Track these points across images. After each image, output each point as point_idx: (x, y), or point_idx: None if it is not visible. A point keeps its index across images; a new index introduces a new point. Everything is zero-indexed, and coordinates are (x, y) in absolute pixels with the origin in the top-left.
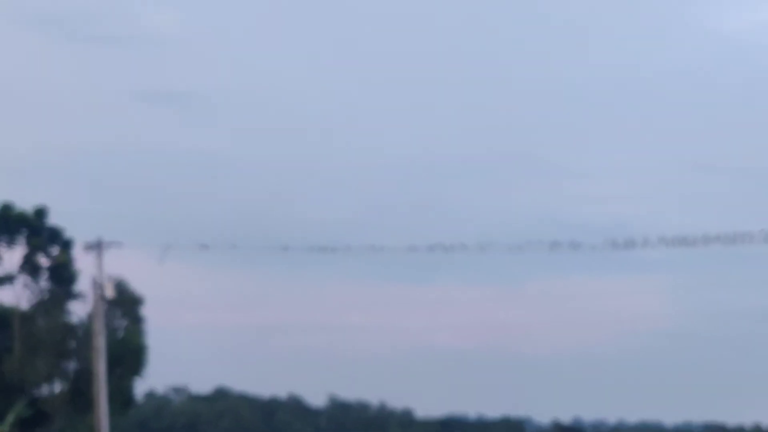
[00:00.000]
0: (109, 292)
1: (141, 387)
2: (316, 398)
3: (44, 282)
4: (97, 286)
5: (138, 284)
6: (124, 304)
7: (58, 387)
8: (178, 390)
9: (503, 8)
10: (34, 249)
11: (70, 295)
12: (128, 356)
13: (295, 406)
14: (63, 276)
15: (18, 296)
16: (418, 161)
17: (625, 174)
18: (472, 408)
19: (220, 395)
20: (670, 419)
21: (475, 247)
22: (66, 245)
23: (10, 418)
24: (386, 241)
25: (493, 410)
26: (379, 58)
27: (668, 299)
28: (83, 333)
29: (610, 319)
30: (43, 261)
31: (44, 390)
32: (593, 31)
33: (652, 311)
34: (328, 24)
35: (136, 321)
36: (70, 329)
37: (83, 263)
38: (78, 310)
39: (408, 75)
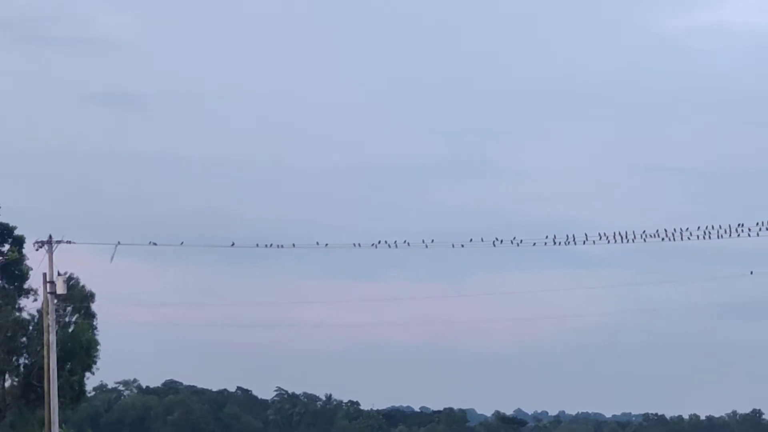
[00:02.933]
0: (60, 289)
1: (91, 381)
2: (264, 391)
3: None
4: (48, 282)
5: (88, 281)
6: (75, 300)
7: (8, 382)
8: (128, 384)
9: (450, 17)
10: None
11: (21, 292)
12: (79, 351)
13: (243, 399)
14: (14, 273)
15: None
16: (364, 162)
17: (567, 173)
18: (416, 400)
19: (170, 389)
20: (609, 411)
21: (419, 244)
22: (17, 242)
23: None
24: (332, 238)
25: (436, 403)
26: (331, 64)
27: (609, 295)
28: (34, 328)
29: (551, 315)
30: None
31: None
32: (536, 35)
33: (593, 307)
34: (282, 28)
35: (86, 317)
36: (21, 325)
37: (34, 260)
38: (29, 306)
39: (357, 80)
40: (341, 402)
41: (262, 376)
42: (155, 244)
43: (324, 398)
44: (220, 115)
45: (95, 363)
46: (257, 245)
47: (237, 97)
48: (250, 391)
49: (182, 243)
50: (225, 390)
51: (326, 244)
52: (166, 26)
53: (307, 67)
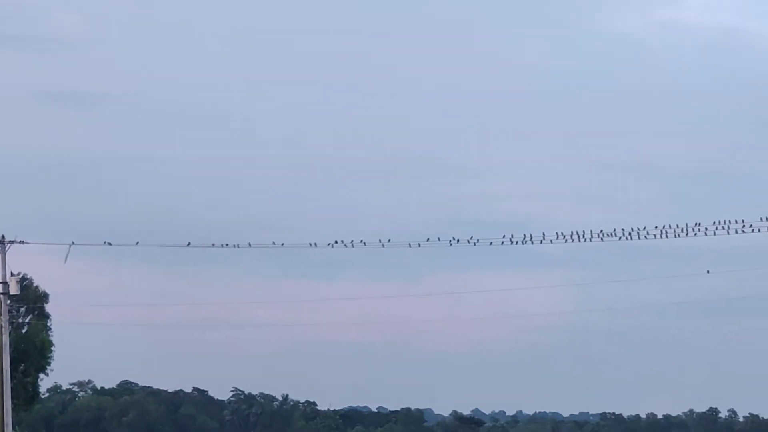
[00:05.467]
0: (13, 289)
1: (45, 383)
2: (220, 392)
3: None
4: (1, 283)
5: (42, 281)
6: (29, 301)
7: None
8: (82, 385)
9: (409, 14)
10: None
11: None
12: (33, 352)
13: (199, 400)
14: None
15: None
16: (320, 162)
17: (523, 172)
18: (373, 400)
19: (125, 390)
20: (567, 411)
21: (376, 244)
22: None
23: None
24: (289, 238)
25: (394, 403)
26: (282, 63)
27: (566, 294)
28: None
29: (508, 314)
30: None
31: None
32: (492, 33)
33: (551, 306)
34: (235, 26)
35: (40, 318)
36: None
37: None
38: None
39: (312, 79)
40: (298, 402)
41: (218, 377)
42: (110, 244)
43: (281, 398)
44: (173, 115)
45: (49, 364)
46: (213, 245)
47: (190, 97)
48: (206, 391)
49: (137, 243)
50: (181, 391)
51: (282, 244)
52: (118, 25)
53: (261, 67)
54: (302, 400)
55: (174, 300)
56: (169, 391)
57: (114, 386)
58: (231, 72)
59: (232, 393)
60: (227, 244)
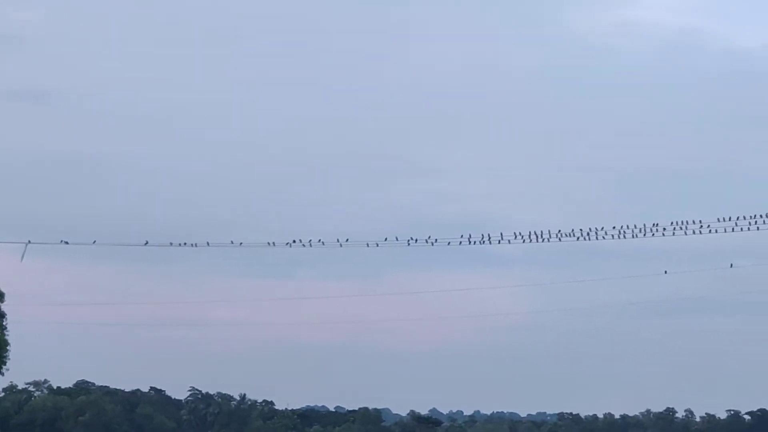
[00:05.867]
0: None
1: (1, 382)
2: (178, 391)
3: None
4: None
5: None
6: None
7: None
8: (38, 385)
9: (366, 14)
10: None
11: None
12: None
13: (157, 399)
14: None
15: None
16: (278, 160)
17: (483, 173)
18: (331, 400)
19: (82, 389)
20: (524, 410)
21: (334, 243)
22: None
23: None
24: (247, 237)
25: (351, 402)
26: (242, 63)
27: (524, 294)
28: None
29: (467, 314)
30: None
31: None
32: (453, 34)
33: (509, 306)
34: (189, 25)
35: None
36: None
37: None
38: None
39: (272, 77)
40: (256, 402)
41: (176, 376)
42: (67, 242)
43: (238, 398)
44: (131, 114)
45: (5, 363)
46: (171, 244)
47: (149, 96)
48: (164, 391)
49: (95, 242)
50: (138, 390)
51: (240, 243)
52: (75, 22)
53: (219, 66)
54: (260, 400)
55: (131, 299)
56: (126, 390)
57: (70, 386)
58: (190, 71)
59: (189, 392)
60: (185, 243)
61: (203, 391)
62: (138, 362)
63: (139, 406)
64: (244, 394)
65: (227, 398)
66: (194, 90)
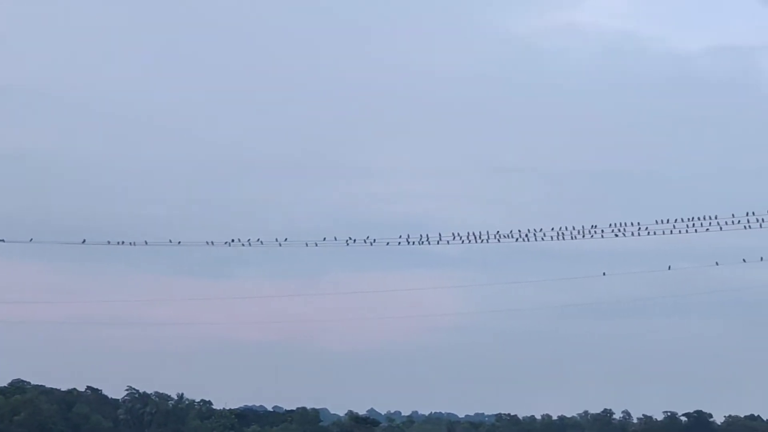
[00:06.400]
0: None
1: None
2: (115, 390)
3: None
4: None
5: None
6: None
7: None
8: None
9: (301, 15)
10: None
11: None
12: None
13: (93, 399)
14: None
15: None
16: (218, 160)
17: (422, 174)
18: (269, 400)
19: (17, 388)
20: (462, 411)
21: (273, 242)
22: None
23: None
24: (186, 236)
25: (289, 402)
26: (183, 61)
27: (463, 295)
28: None
29: (405, 314)
30: None
31: None
32: (390, 36)
33: (447, 307)
34: (133, 26)
35: None
36: None
37: None
38: None
39: (211, 78)
40: (193, 401)
41: (113, 375)
42: (2, 240)
43: (176, 397)
44: (69, 110)
45: None
46: (109, 242)
47: (88, 92)
48: (101, 390)
49: (31, 240)
50: (74, 389)
51: (179, 242)
52: (24, 21)
53: (161, 63)
54: (197, 399)
55: (68, 298)
56: (63, 389)
57: (5, 385)
58: (131, 67)
59: (126, 392)
60: (123, 242)
61: (140, 391)
62: (74, 361)
63: (75, 405)
64: (182, 394)
65: (165, 397)
66: (136, 88)
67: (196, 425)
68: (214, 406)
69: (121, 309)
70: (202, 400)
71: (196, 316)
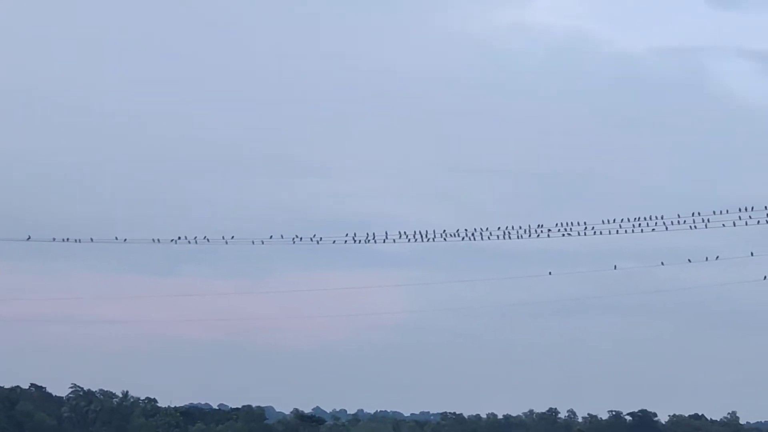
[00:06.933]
0: None
1: None
2: (59, 388)
3: None
4: None
5: None
6: None
7: None
8: None
9: (252, 9)
10: None
11: None
12: None
13: (37, 396)
14: None
15: None
16: (164, 157)
17: (370, 172)
18: (214, 398)
19: None
20: (408, 410)
21: (219, 240)
22: None
23: None
24: (131, 233)
25: (235, 400)
26: (131, 58)
27: (409, 293)
28: None
29: (352, 313)
30: None
31: None
32: (342, 34)
33: (393, 305)
34: (66, 25)
35: None
36: None
37: None
38: None
39: (159, 76)
40: (138, 399)
41: (57, 373)
42: None
43: (121, 395)
44: (13, 106)
45: None
46: (54, 239)
47: (31, 88)
48: (44, 388)
49: None
50: (18, 387)
51: (125, 239)
52: None
53: (105, 61)
54: (142, 397)
55: (12, 295)
56: (6, 387)
57: None
58: (77, 64)
59: (71, 389)
60: (68, 239)
61: (85, 388)
62: (18, 359)
63: (18, 403)
64: (127, 392)
65: (109, 395)
66: (78, 85)
67: (140, 423)
68: (159, 404)
69: (65, 306)
70: (147, 398)
71: (142, 313)
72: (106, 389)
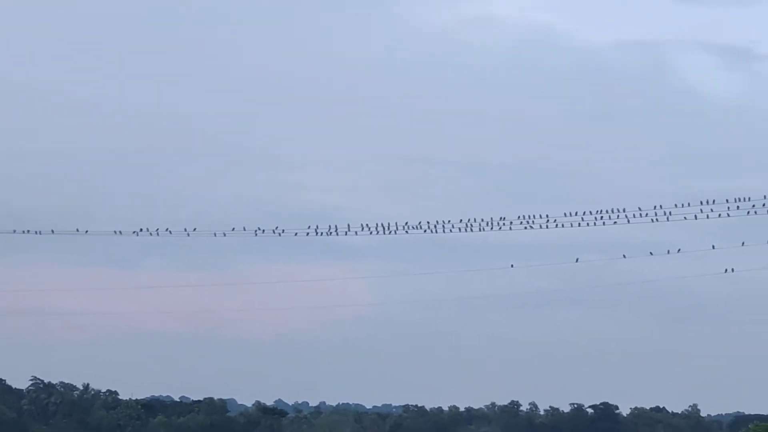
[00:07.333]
0: None
1: None
2: (18, 380)
3: None
4: None
5: None
6: None
7: None
8: None
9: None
10: None
11: None
12: None
13: None
14: None
15: None
16: (125, 149)
17: (333, 164)
18: (176, 390)
19: None
20: (370, 402)
21: (181, 232)
22: None
23: None
24: (93, 226)
25: (196, 392)
26: (94, 49)
27: (371, 286)
28: None
29: (313, 305)
30: None
31: None
32: (305, 24)
33: (356, 297)
34: (46, 19)
35: None
36: None
37: None
38: None
39: (116, 65)
40: (99, 391)
41: (17, 365)
42: None
43: (81, 388)
44: None
45: None
46: (15, 231)
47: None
48: (4, 380)
49: None
50: None
51: (86, 231)
52: None
53: (62, 52)
54: (103, 390)
55: None
56: None
57: None
58: (36, 53)
59: (31, 382)
60: (29, 231)
61: (45, 381)
62: None
63: None
64: (88, 384)
65: (70, 388)
66: (39, 75)
67: (101, 416)
68: (120, 397)
69: (26, 298)
70: (108, 391)
71: (103, 305)
72: (66, 382)
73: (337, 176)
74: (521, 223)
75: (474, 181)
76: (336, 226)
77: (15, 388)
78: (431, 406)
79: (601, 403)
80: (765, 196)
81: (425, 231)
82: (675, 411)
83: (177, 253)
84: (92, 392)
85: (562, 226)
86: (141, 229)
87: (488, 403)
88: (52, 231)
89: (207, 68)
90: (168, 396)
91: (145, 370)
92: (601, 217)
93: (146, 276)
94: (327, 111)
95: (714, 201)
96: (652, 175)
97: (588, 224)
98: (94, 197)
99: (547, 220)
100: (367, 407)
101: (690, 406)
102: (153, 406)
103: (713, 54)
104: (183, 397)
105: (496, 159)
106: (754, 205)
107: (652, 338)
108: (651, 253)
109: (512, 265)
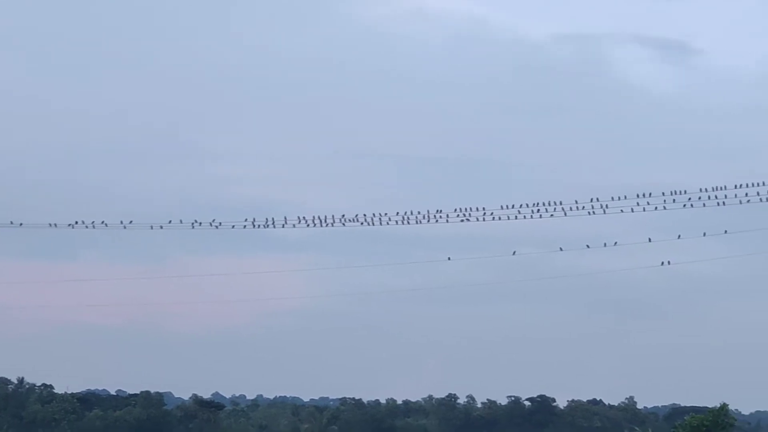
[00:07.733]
0: None
1: None
2: None
3: None
4: None
5: None
6: None
7: None
8: None
9: None
10: None
11: None
12: None
13: None
14: None
15: None
16: (61, 142)
17: (269, 157)
18: (112, 383)
19: None
20: (307, 395)
21: (117, 225)
22: None
23: None
24: (28, 218)
25: (133, 386)
26: (26, 41)
27: (308, 279)
28: None
29: (250, 298)
30: None
31: None
32: (239, 16)
33: (292, 290)
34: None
35: None
36: None
37: None
38: None
39: (53, 58)
40: (34, 385)
41: None
42: None
43: (16, 381)
44: None
45: None
46: None
47: None
48: None
49: None
50: None
51: (21, 224)
52: None
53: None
54: (38, 383)
55: None
56: None
57: None
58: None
59: None
60: None
61: None
62: None
63: None
64: (22, 378)
65: (4, 382)
66: None
67: (36, 410)
68: (55, 390)
69: None
70: (44, 384)
71: (38, 298)
72: (0, 375)
73: (274, 169)
74: (458, 216)
75: (411, 174)
76: (273, 219)
77: None
78: (368, 399)
79: (538, 396)
80: (701, 190)
81: (362, 224)
82: (612, 403)
83: (113, 245)
84: (27, 386)
85: (499, 219)
86: (76, 222)
87: (426, 395)
88: None
89: (143, 60)
90: (104, 390)
91: (81, 363)
92: (538, 210)
93: (82, 269)
94: (263, 104)
95: (650, 194)
96: (588, 168)
97: (525, 217)
98: (28, 190)
99: (484, 214)
100: (305, 400)
101: (626, 398)
102: (89, 400)
103: (650, 47)
104: (119, 390)
105: (433, 152)
106: (690, 198)
107: (588, 331)
108: (588, 246)
109: (449, 258)
